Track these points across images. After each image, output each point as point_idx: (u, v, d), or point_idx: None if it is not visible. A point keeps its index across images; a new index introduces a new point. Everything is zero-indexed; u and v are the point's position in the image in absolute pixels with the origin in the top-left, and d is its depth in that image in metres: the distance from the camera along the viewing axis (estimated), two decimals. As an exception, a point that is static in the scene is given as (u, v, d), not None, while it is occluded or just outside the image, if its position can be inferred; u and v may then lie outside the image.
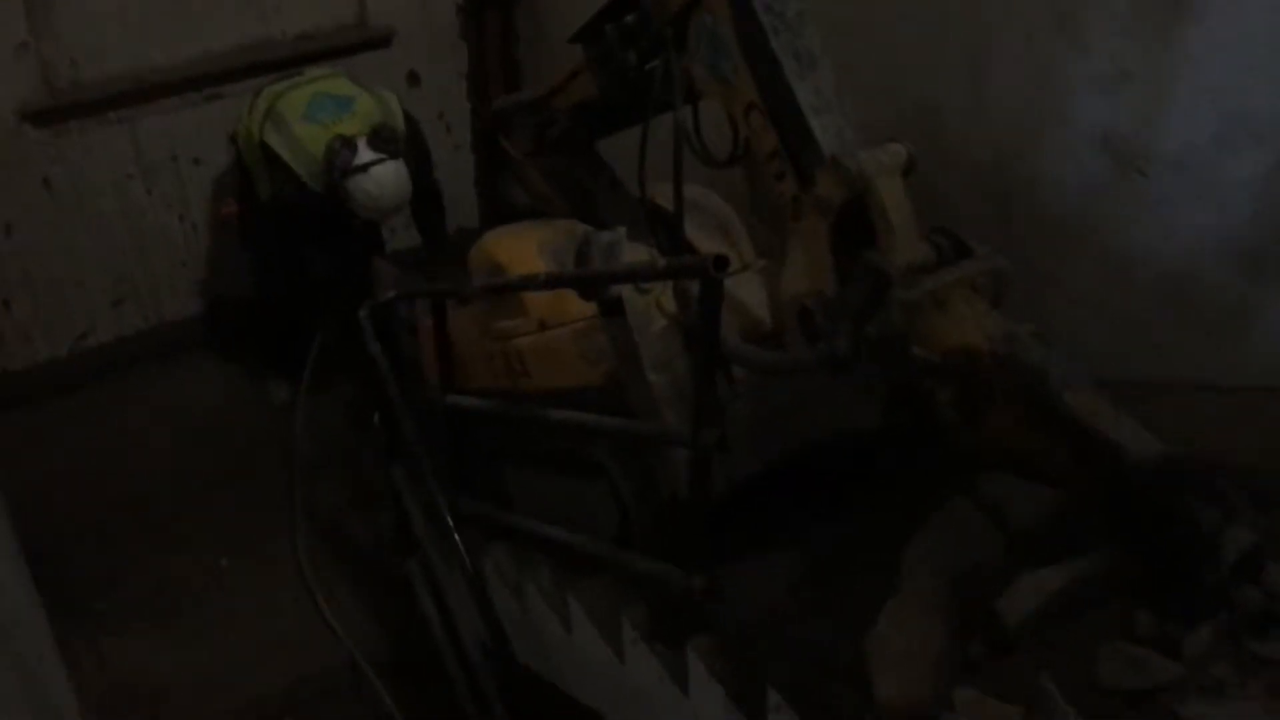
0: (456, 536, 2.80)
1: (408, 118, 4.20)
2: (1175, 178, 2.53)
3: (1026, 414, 1.96)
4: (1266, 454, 2.20)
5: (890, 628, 2.06)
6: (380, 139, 3.91)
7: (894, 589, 2.18)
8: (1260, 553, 1.71)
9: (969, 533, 2.32)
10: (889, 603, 2.12)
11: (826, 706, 1.96)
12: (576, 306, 2.74)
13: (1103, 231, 2.72)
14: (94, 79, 4.36)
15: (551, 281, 2.77)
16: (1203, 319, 2.57)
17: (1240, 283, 2.49)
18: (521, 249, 3.01)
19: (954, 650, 2.01)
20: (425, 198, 4.33)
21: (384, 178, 3.89)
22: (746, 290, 2.81)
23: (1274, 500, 1.97)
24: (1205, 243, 2.52)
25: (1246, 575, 1.70)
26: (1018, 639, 1.92)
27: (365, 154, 3.87)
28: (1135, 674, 1.72)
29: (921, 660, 1.99)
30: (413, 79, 5.02)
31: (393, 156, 3.91)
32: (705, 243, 2.91)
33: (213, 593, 3.76)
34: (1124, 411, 1.90)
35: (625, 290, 2.57)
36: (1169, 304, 2.63)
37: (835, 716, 1.95)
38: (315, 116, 3.99)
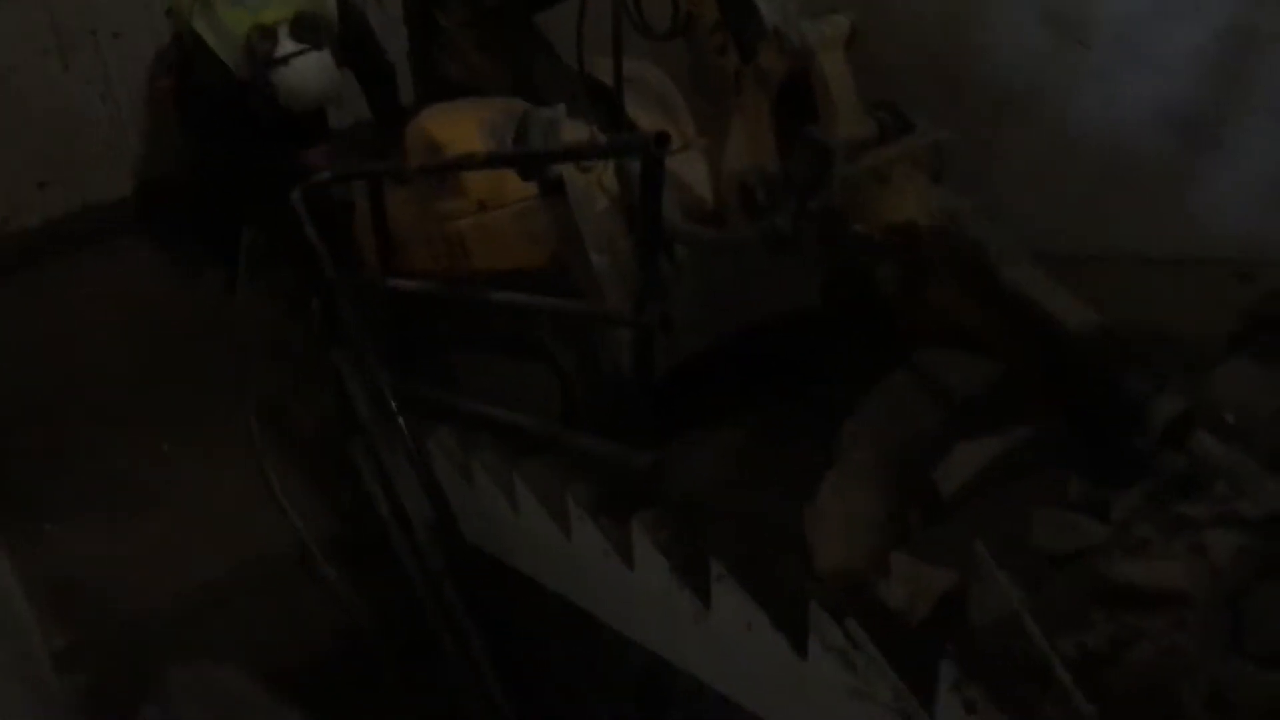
0: (400, 419, 2.80)
1: (344, 1, 4.04)
2: (1116, 48, 2.53)
3: (965, 288, 1.98)
4: (1201, 323, 2.25)
5: (829, 498, 2.11)
6: (302, 28, 3.72)
7: (833, 460, 2.22)
8: (1188, 420, 1.75)
9: (907, 404, 2.36)
10: (828, 474, 2.17)
11: (768, 575, 2.01)
12: (517, 186, 2.69)
13: (1044, 104, 2.72)
14: (1, -52, 4.15)
15: (491, 161, 2.71)
16: (1142, 190, 2.59)
17: (1178, 153, 2.51)
18: (459, 127, 2.94)
19: (891, 518, 2.06)
20: (373, 78, 4.18)
21: (305, 70, 3.72)
22: (688, 168, 2.78)
23: (1205, 368, 2.02)
24: (1145, 113, 2.53)
25: (1174, 441, 1.75)
26: (953, 506, 1.97)
27: (286, 45, 3.69)
28: (1065, 536, 1.77)
29: (859, 529, 2.05)
30: (342, -53, 4.81)
31: (316, 47, 3.72)
32: (646, 119, 2.86)
33: (156, 477, 3.74)
34: (1061, 284, 1.92)
35: (566, 169, 2.53)
36: (1109, 176, 2.65)
37: (777, 585, 1.99)
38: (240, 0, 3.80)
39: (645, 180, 2.09)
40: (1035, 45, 2.66)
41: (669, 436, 2.42)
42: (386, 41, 4.26)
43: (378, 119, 4.39)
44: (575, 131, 2.63)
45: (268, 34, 3.69)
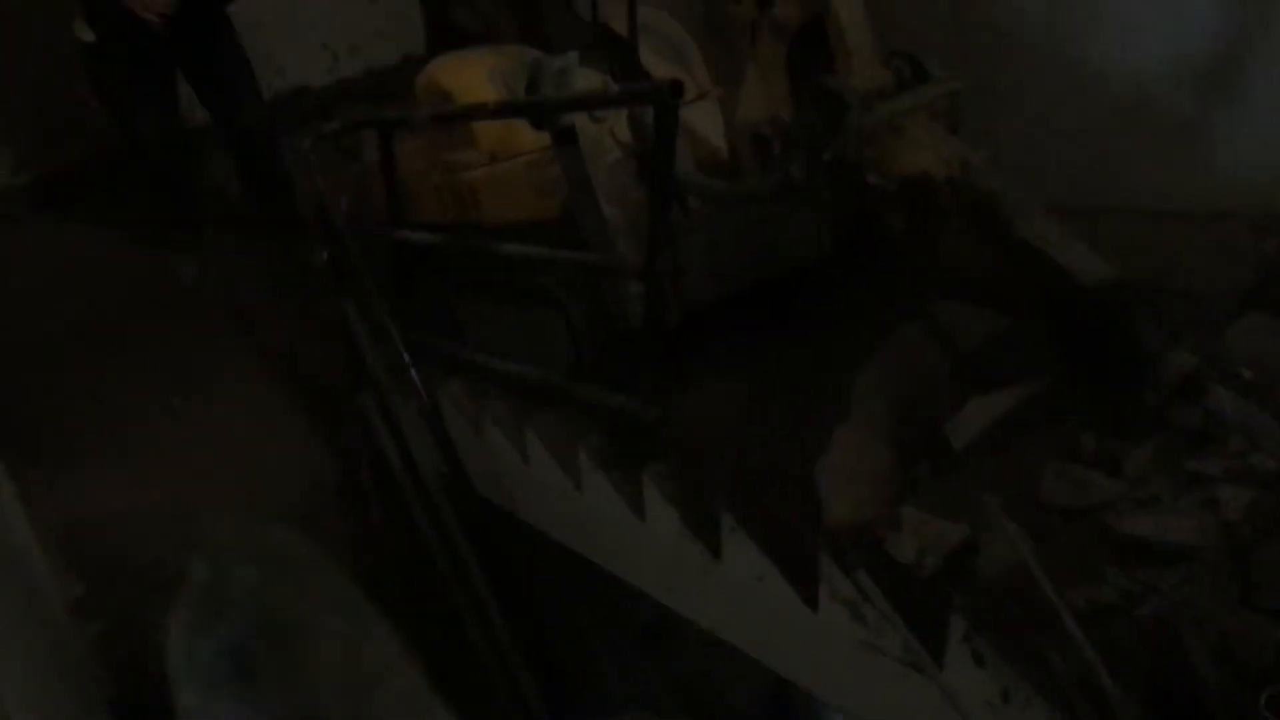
0: (413, 371, 2.80)
1: None
2: (1137, -5, 2.49)
3: (978, 239, 1.97)
4: (1213, 278, 2.23)
5: (841, 451, 2.11)
6: None
7: (845, 414, 2.22)
8: (1201, 374, 1.75)
9: (918, 358, 2.36)
10: (839, 427, 2.17)
11: (780, 528, 2.02)
12: (528, 137, 2.67)
13: (1060, 52, 2.68)
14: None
15: (502, 110, 2.69)
16: (1156, 142, 2.56)
17: (1194, 104, 2.48)
18: (470, 76, 2.91)
19: (901, 472, 2.06)
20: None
21: None
22: (702, 119, 2.75)
23: (1220, 323, 2.01)
24: (1162, 63, 2.49)
25: (1187, 396, 1.75)
26: (964, 460, 1.98)
27: None
28: (1076, 492, 1.78)
29: (870, 482, 2.05)
30: (348, -107, 4.74)
31: None
32: (660, 69, 2.82)
33: (166, 426, 3.75)
34: (1074, 236, 1.91)
35: (578, 119, 2.51)
36: (1124, 126, 2.62)
37: (788, 537, 2.00)
38: None
39: (659, 130, 2.06)
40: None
41: (680, 387, 2.42)
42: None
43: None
44: (588, 80, 2.60)
45: None
